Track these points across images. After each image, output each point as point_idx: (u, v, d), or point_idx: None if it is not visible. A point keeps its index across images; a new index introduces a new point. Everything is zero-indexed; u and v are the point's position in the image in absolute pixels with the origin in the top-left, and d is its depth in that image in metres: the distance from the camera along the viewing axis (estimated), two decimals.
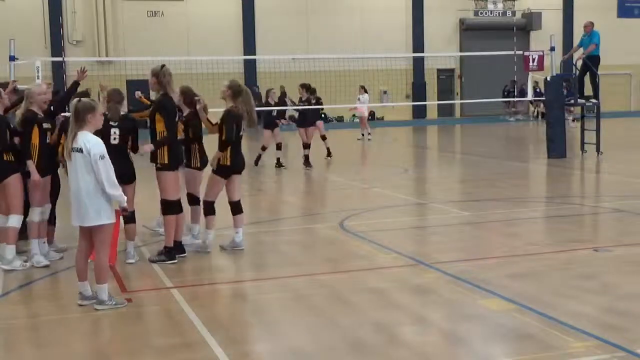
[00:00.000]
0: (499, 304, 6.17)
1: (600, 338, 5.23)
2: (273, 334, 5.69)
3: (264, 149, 17.40)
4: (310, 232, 9.85)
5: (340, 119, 35.89)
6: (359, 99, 25.33)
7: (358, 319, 5.92)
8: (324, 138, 18.79)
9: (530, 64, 19.76)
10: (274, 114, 17.62)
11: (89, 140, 6.20)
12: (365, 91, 25.66)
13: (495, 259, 7.83)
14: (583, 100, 18.37)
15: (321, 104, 19.29)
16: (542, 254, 7.97)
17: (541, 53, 19.93)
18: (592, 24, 18.01)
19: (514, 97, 34.19)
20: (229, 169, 8.31)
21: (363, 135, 25.72)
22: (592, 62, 17.77)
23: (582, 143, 18.22)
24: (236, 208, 8.48)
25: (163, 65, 8.03)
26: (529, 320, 5.72)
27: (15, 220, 7.68)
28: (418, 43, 37.27)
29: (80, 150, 6.18)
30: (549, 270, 7.28)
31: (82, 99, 6.39)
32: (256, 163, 17.15)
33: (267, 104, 17.68)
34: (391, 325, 5.72)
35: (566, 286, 6.67)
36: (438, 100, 36.95)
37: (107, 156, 6.23)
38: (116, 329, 5.92)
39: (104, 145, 6.28)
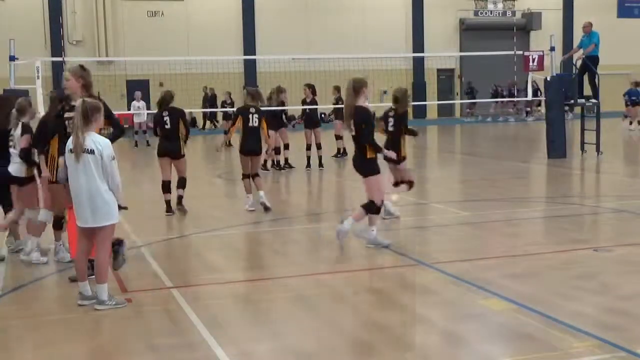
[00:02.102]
0: (499, 304, 6.17)
1: (600, 338, 5.23)
2: (273, 334, 5.69)
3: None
4: (310, 232, 9.85)
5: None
6: None
7: (358, 319, 5.92)
8: (340, 137, 19.06)
9: (530, 64, 19.77)
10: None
11: (99, 142, 6.20)
12: None
13: (495, 259, 7.83)
14: (583, 100, 18.37)
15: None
16: (542, 254, 7.97)
17: (541, 53, 19.94)
18: (590, 24, 18.02)
19: (473, 98, 34.54)
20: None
21: None
22: (591, 62, 17.77)
23: (582, 143, 18.21)
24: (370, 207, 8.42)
25: (82, 65, 7.34)
26: (529, 320, 5.72)
27: (43, 215, 8.01)
28: (418, 43, 37.28)
29: (92, 152, 6.17)
30: (549, 270, 7.28)
31: (85, 99, 6.38)
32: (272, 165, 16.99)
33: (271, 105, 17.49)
34: (391, 325, 5.72)
35: (566, 286, 6.67)
36: (438, 100, 36.93)
37: (115, 157, 6.29)
38: (116, 329, 5.92)
39: (111, 146, 6.31)
